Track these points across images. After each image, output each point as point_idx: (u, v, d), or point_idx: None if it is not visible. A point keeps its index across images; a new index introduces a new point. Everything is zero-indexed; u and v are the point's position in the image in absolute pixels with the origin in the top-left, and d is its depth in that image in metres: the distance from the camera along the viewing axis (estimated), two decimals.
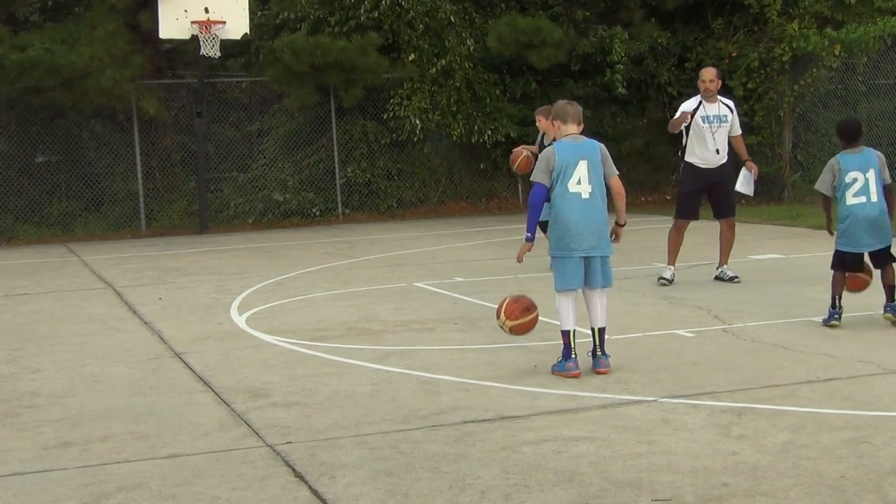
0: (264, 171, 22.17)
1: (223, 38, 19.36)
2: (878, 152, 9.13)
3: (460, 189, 23.54)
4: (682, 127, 11.30)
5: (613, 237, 7.77)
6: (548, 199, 7.62)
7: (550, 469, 5.34)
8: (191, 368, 8.16)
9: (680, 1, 23.02)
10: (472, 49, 22.47)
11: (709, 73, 11.46)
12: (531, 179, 7.72)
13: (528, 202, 7.76)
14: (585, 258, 7.50)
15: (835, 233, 9.13)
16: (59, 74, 18.74)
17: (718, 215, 11.68)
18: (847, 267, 9.02)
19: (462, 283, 12.21)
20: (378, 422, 6.39)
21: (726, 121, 11.31)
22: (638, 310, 10.01)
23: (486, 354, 8.25)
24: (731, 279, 11.45)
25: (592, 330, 7.61)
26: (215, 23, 19.15)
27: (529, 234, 7.70)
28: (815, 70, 21.33)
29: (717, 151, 11.38)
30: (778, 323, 9.04)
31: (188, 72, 22.48)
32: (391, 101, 21.83)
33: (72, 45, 19.11)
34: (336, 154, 22.00)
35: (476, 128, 22.32)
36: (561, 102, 7.91)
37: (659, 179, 24.23)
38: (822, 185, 9.08)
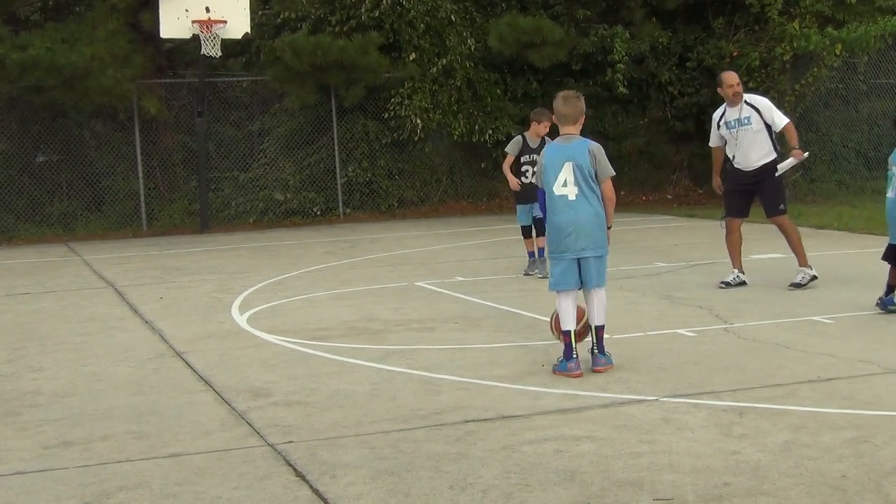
0: (265, 170, 22.18)
1: (224, 37, 19.37)
2: None
3: (461, 188, 23.54)
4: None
5: None
6: None
7: (551, 468, 5.34)
8: (192, 368, 8.16)
9: (681, 0, 23.01)
10: (472, 48, 22.48)
11: (733, 78, 11.25)
12: (534, 181, 7.76)
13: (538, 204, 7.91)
14: (579, 259, 7.51)
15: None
16: (59, 74, 18.75)
17: (766, 214, 11.43)
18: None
19: (463, 282, 12.21)
20: (379, 421, 6.39)
21: (748, 122, 11.00)
22: (639, 309, 10.01)
23: (487, 354, 8.25)
24: (813, 278, 10.94)
25: (591, 328, 7.61)
26: (216, 22, 19.15)
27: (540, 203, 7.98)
28: (816, 69, 21.33)
29: (739, 156, 11.13)
30: (779, 322, 9.03)
31: (189, 71, 22.49)
32: (392, 100, 21.83)
33: (73, 44, 19.12)
34: (337, 153, 22.01)
35: (477, 127, 22.33)
36: (559, 100, 7.71)
37: (660, 178, 24.24)
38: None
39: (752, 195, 11.20)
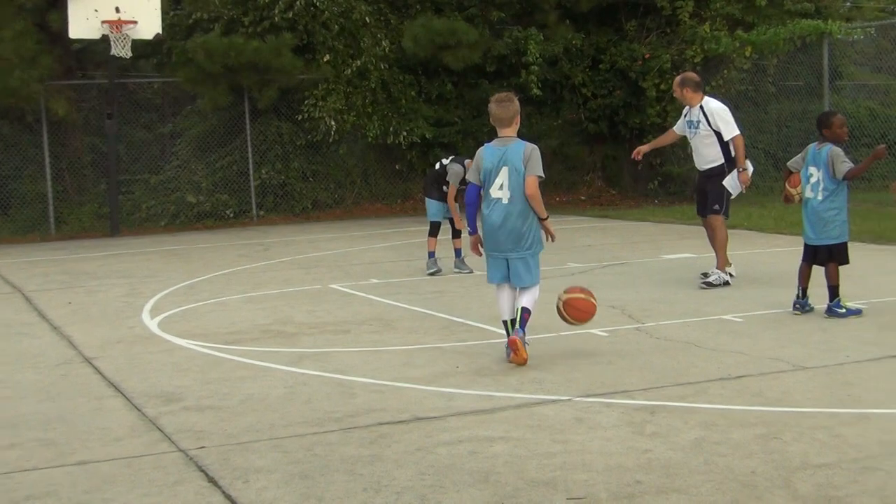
0: (177, 172, 21.94)
1: (135, 38, 19.12)
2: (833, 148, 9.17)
3: (376, 190, 23.50)
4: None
5: (548, 238, 7.94)
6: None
7: (466, 469, 5.33)
8: (101, 373, 8.03)
9: (594, 3, 23.20)
10: (387, 50, 22.46)
11: (673, 83, 11.48)
12: (466, 178, 7.93)
13: (465, 200, 8.02)
14: (507, 258, 7.76)
15: None
16: None
17: (706, 212, 11.51)
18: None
19: (377, 284, 12.18)
20: (292, 425, 6.34)
21: (698, 126, 11.18)
22: (553, 310, 10.03)
23: (402, 356, 8.23)
24: (726, 283, 11.10)
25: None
26: (126, 22, 18.90)
27: (470, 230, 8.12)
28: (726, 71, 21.65)
29: (697, 156, 11.34)
30: (690, 322, 9.14)
31: (99, 72, 22.19)
32: (306, 102, 21.74)
33: None
34: (250, 155, 21.85)
35: (391, 129, 22.31)
36: (493, 103, 7.88)
37: (574, 180, 24.42)
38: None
39: (706, 194, 11.38)
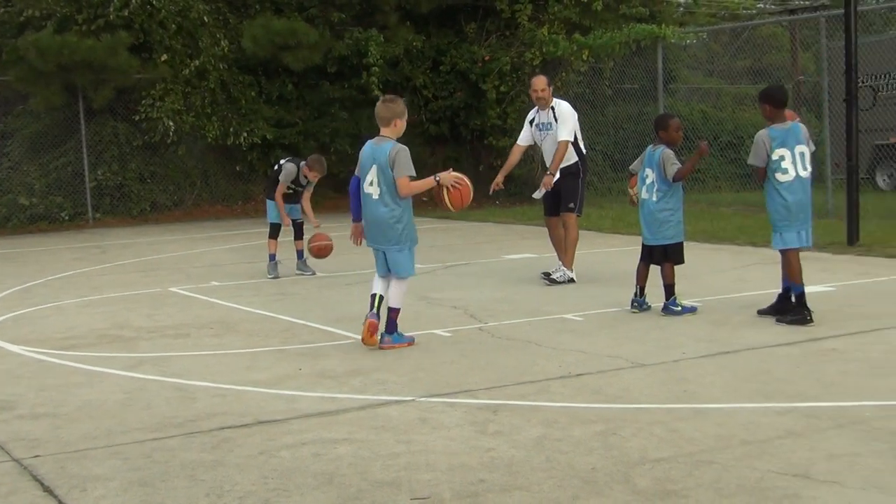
0: (8, 174, 21.34)
1: None
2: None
3: (216, 192, 23.23)
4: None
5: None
6: None
7: (310, 472, 5.30)
8: None
9: (434, 5, 23.33)
10: (226, 50, 22.22)
11: (539, 83, 11.54)
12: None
13: (349, 190, 8.52)
14: (382, 252, 8.34)
15: None
16: None
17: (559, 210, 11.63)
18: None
19: (218, 287, 12.03)
20: (131, 431, 6.21)
21: (549, 128, 11.39)
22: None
23: (244, 359, 8.14)
24: (570, 280, 11.32)
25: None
26: None
27: (353, 217, 8.54)
28: (564, 74, 22.00)
29: (549, 157, 11.45)
30: (531, 321, 9.25)
31: None
32: (143, 102, 21.36)
33: None
34: (86, 156, 21.36)
35: (232, 130, 22.09)
36: (379, 103, 8.36)
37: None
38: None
39: (559, 195, 11.47)
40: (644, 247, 9.58)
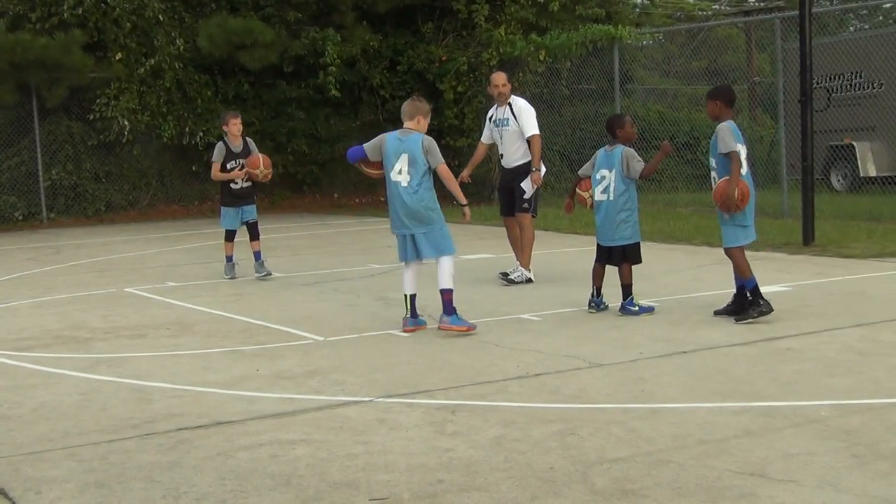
0: None
1: None
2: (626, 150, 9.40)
3: (172, 192, 23.11)
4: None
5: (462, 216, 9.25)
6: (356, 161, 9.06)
7: (267, 473, 5.27)
8: None
9: (391, 5, 23.30)
10: (182, 49, 22.10)
11: (499, 78, 11.63)
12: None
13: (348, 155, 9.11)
14: (413, 235, 8.73)
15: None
16: None
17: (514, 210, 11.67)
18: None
19: (174, 287, 11.96)
20: (87, 433, 6.15)
21: (507, 124, 11.43)
22: (354, 311, 10.06)
23: (201, 360, 8.09)
24: (528, 280, 11.35)
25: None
26: None
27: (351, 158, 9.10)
28: (521, 74, 22.03)
29: (503, 155, 11.59)
30: (489, 321, 9.25)
31: None
32: (98, 101, 21.20)
33: None
34: (39, 156, 21.18)
35: (187, 129, 21.99)
36: (409, 100, 8.93)
37: (373, 181, 24.40)
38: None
39: (513, 192, 11.51)
40: (600, 247, 9.60)
